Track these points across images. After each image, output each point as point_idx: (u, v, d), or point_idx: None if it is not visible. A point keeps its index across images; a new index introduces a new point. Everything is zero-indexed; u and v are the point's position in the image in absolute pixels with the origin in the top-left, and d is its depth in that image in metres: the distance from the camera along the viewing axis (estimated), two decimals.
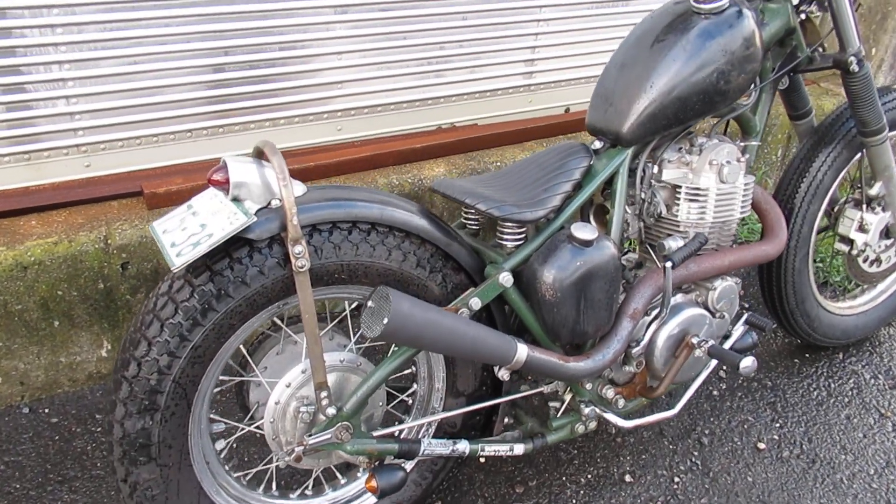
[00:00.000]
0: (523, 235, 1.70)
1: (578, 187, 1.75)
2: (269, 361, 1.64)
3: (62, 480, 1.91)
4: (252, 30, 2.28)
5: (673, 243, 1.87)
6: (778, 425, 2.27)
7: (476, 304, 1.60)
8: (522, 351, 1.60)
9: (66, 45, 2.05)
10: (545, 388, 1.85)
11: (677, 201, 1.87)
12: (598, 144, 1.83)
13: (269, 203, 1.44)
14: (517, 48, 2.79)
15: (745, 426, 2.26)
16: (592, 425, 1.89)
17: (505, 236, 1.70)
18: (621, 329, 1.76)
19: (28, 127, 2.10)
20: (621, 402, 1.88)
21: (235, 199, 1.42)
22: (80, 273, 2.03)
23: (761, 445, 2.19)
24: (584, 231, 1.63)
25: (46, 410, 2.13)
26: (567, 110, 3.06)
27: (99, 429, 2.08)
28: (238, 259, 1.42)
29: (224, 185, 1.41)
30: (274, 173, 1.43)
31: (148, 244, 2.09)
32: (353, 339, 1.67)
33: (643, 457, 2.13)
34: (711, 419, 2.28)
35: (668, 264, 1.75)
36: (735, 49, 1.77)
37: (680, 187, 1.86)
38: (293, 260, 1.40)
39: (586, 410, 1.83)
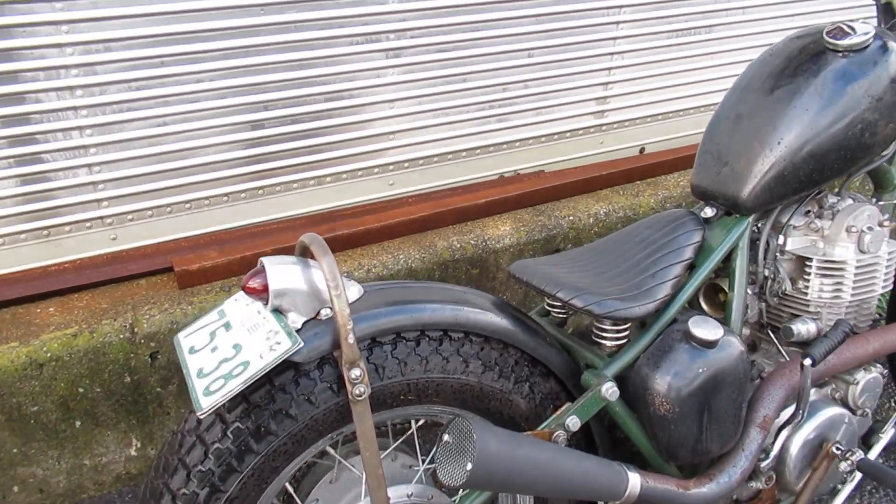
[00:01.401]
0: (627, 333, 1.38)
1: (690, 268, 1.43)
2: (321, 492, 1.35)
3: None
4: (294, 81, 2.02)
5: (802, 326, 1.54)
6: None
7: (574, 423, 1.29)
8: (635, 482, 1.27)
9: (87, 108, 1.82)
10: None
11: (806, 276, 1.53)
12: (709, 212, 1.50)
13: (317, 313, 1.16)
14: (589, 85, 2.49)
15: None
16: None
17: (605, 335, 1.38)
18: (749, 442, 1.42)
19: (47, 200, 1.87)
20: None
21: (276, 311, 1.14)
22: (103, 367, 1.78)
23: None
24: (706, 328, 1.31)
25: None
26: (642, 151, 2.74)
27: None
28: (281, 387, 1.14)
29: (262, 294, 1.13)
30: (323, 277, 1.15)
31: (179, 329, 1.83)
32: (423, 464, 1.37)
33: None
34: None
35: (808, 362, 1.41)
36: (882, 93, 1.43)
37: (809, 259, 1.53)
38: (349, 386, 1.11)
39: None
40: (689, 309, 1.46)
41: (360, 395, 1.12)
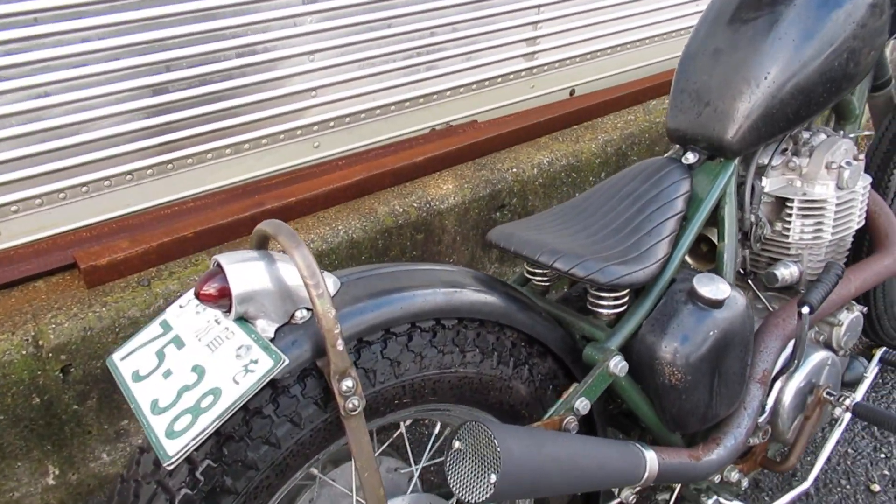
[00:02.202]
0: (626, 299, 1.26)
1: (683, 220, 1.32)
2: None
3: None
4: (199, 35, 1.74)
5: (785, 271, 1.47)
6: (883, 455, 1.93)
7: (584, 406, 1.15)
8: (653, 461, 1.17)
9: None
10: (623, 495, 1.42)
11: (787, 218, 1.46)
12: (691, 158, 1.38)
13: (291, 317, 0.96)
14: (518, 25, 2.31)
15: (849, 463, 1.91)
16: None
17: (602, 303, 1.25)
18: (750, 399, 1.35)
19: None
20: (744, 482, 1.47)
21: (241, 319, 0.93)
22: (4, 390, 1.49)
23: (875, 487, 1.84)
24: (713, 287, 1.20)
25: None
26: (572, 93, 2.61)
27: None
28: (257, 410, 0.93)
29: (221, 301, 0.92)
30: (294, 272, 0.95)
31: (94, 337, 1.56)
32: (416, 471, 1.21)
33: None
34: (807, 458, 1.91)
35: (806, 309, 1.33)
36: (864, 18, 1.35)
37: (789, 200, 1.45)
38: (340, 400, 0.93)
39: (708, 502, 1.42)
40: (686, 267, 1.35)
41: (354, 409, 0.94)
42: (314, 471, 1.09)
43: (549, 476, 0.98)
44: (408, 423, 1.21)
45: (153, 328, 1.01)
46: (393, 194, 2.00)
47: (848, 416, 1.53)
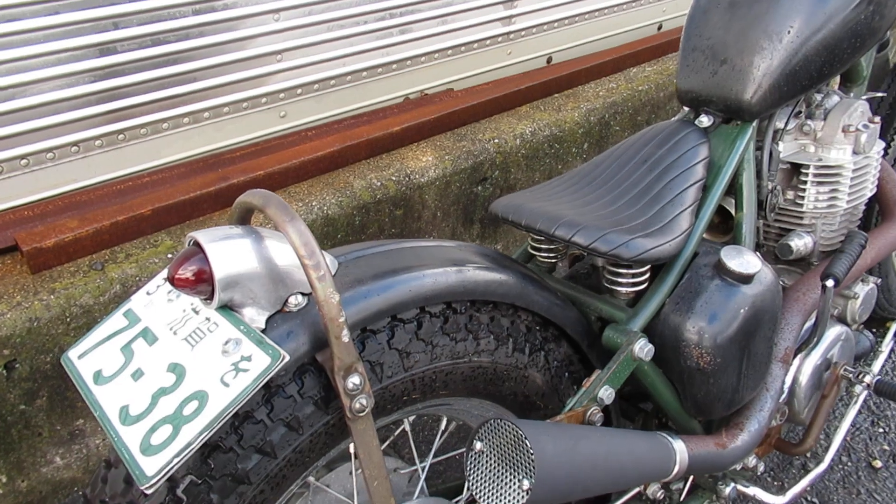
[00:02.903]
0: (647, 276, 1.14)
1: (703, 189, 1.21)
2: None
3: None
4: None
5: (799, 242, 1.38)
6: (882, 430, 1.88)
7: (609, 395, 1.04)
8: (682, 452, 1.06)
9: None
10: (649, 491, 1.32)
11: (801, 185, 1.36)
12: (705, 121, 1.27)
13: (284, 303, 0.81)
14: None
15: (848, 440, 1.85)
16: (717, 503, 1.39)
17: (621, 280, 1.13)
18: (773, 380, 1.25)
19: None
20: (760, 467, 1.39)
21: (225, 307, 0.79)
22: None
23: (877, 463, 1.79)
24: (742, 260, 1.10)
25: None
26: (549, 61, 2.48)
27: None
28: (248, 414, 0.79)
29: (199, 286, 0.77)
30: (288, 251, 0.80)
31: (42, 328, 1.38)
32: (423, 472, 1.07)
33: None
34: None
35: (830, 283, 1.24)
36: None
37: (804, 167, 1.35)
38: (345, 399, 0.79)
39: (726, 490, 1.32)
40: (706, 240, 1.24)
41: (362, 410, 0.80)
42: (313, 480, 0.95)
43: (585, 477, 0.87)
44: (411, 419, 1.08)
45: (116, 320, 0.86)
46: (369, 167, 1.85)
47: (864, 393, 1.45)
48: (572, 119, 2.17)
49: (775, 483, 1.69)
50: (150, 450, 0.68)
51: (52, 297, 1.40)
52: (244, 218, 0.84)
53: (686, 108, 1.34)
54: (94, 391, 0.77)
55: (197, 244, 0.77)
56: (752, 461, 1.34)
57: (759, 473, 1.37)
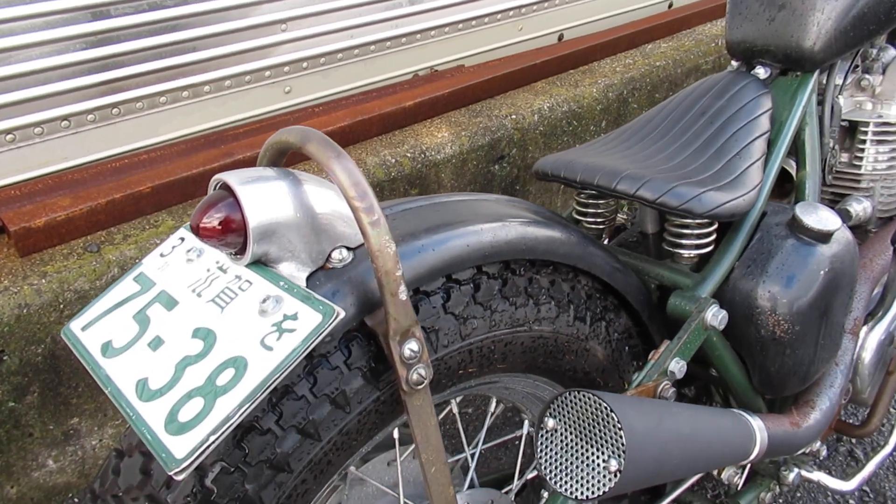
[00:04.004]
0: (713, 237, 1.03)
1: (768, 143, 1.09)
2: None
3: None
4: None
5: (858, 206, 1.28)
6: None
7: (680, 368, 0.92)
8: (761, 432, 0.94)
9: None
10: (724, 476, 1.20)
11: (860, 144, 1.26)
12: (762, 72, 1.16)
13: (326, 259, 0.69)
14: None
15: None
16: (778, 489, 1.28)
17: (684, 242, 1.02)
18: (843, 353, 1.14)
19: None
20: (823, 451, 1.28)
21: (258, 263, 0.66)
22: None
23: None
24: (819, 216, 0.99)
25: None
26: (560, 38, 2.37)
27: None
28: (288, 390, 0.67)
29: (227, 237, 0.64)
30: (330, 196, 0.68)
31: (32, 316, 1.25)
32: (472, 461, 0.95)
33: None
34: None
35: None
36: None
37: (863, 124, 1.25)
38: (401, 370, 0.67)
39: (790, 477, 1.21)
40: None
41: (420, 382, 0.68)
42: (353, 469, 0.83)
43: (671, 458, 0.75)
44: (458, 399, 0.96)
45: (125, 286, 0.73)
46: (382, 143, 1.73)
47: None
48: (590, 95, 2.06)
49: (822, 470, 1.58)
50: (179, 428, 0.55)
51: (43, 281, 1.27)
52: (275, 162, 0.72)
53: (735, 63, 1.24)
54: (104, 365, 0.65)
55: (225, 187, 0.65)
56: (816, 445, 1.23)
57: (821, 458, 1.26)
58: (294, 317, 0.59)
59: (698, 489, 1.27)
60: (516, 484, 1.00)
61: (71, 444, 1.40)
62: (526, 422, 1.02)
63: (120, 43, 1.47)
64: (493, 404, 0.99)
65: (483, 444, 0.97)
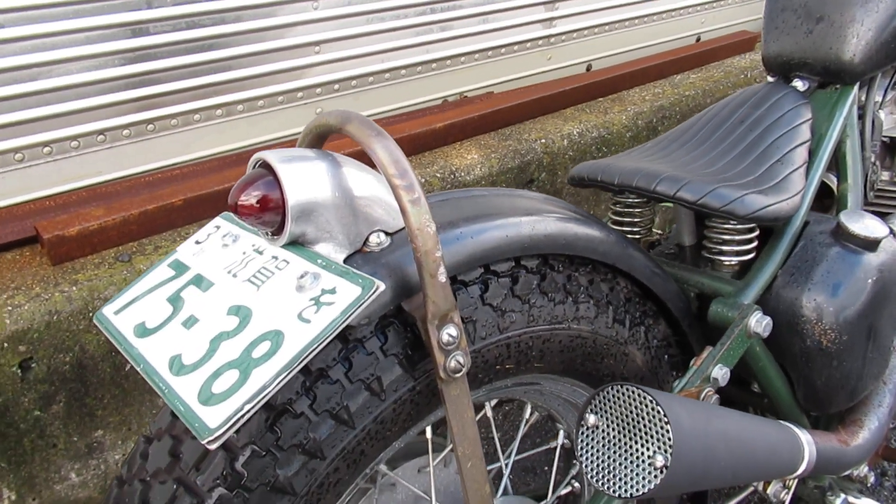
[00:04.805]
0: (755, 244, 1.00)
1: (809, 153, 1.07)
2: None
3: None
4: None
5: None
6: None
7: (724, 376, 0.89)
8: (810, 446, 0.90)
9: None
10: (770, 491, 1.15)
11: None
12: (800, 85, 1.15)
13: (364, 243, 0.68)
14: None
15: None
16: None
17: (725, 248, 0.99)
18: (892, 372, 1.10)
19: None
20: (871, 477, 1.22)
21: (295, 244, 0.65)
22: None
23: None
24: (865, 224, 0.96)
25: None
26: (588, 68, 2.38)
27: None
28: (323, 374, 0.65)
29: (265, 215, 0.63)
30: (369, 180, 0.67)
31: (62, 323, 1.25)
32: (506, 468, 0.92)
33: None
34: None
35: None
36: None
37: None
38: (439, 356, 0.65)
39: (836, 502, 1.16)
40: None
41: (458, 370, 0.66)
42: (385, 469, 0.80)
43: (718, 460, 0.72)
44: (493, 403, 0.93)
45: (159, 271, 0.72)
46: (412, 163, 1.73)
47: None
48: (619, 122, 2.06)
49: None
50: (213, 399, 0.54)
51: (74, 288, 1.27)
52: (315, 146, 0.72)
53: (772, 78, 1.22)
54: (137, 345, 0.63)
55: (265, 166, 0.64)
56: (864, 470, 1.18)
57: (868, 484, 1.20)
58: (332, 291, 0.58)
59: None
60: (551, 498, 0.96)
61: (94, 458, 1.38)
62: (561, 432, 0.98)
63: (157, 60, 1.50)
64: (528, 411, 0.96)
65: (517, 454, 0.94)
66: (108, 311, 0.71)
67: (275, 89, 1.69)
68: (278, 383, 0.53)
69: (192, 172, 1.54)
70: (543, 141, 1.90)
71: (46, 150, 1.43)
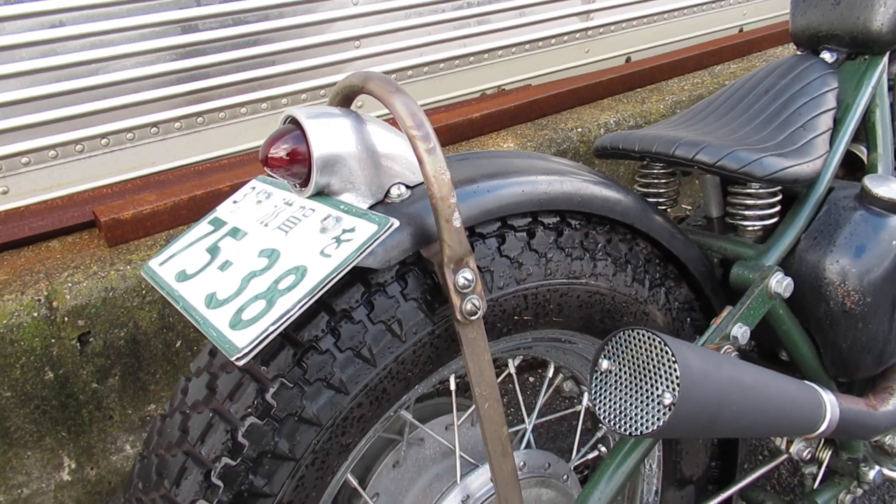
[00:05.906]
0: (778, 208, 1.02)
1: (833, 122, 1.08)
2: (381, 483, 0.91)
3: None
4: None
5: None
6: None
7: (743, 334, 0.90)
8: (833, 406, 0.91)
9: None
10: (793, 450, 1.15)
11: None
12: (828, 57, 1.16)
13: (386, 194, 0.72)
14: None
15: None
16: (859, 491, 1.21)
17: (748, 213, 1.01)
18: None
19: None
20: None
21: (321, 194, 0.70)
22: (12, 361, 1.26)
23: None
24: (891, 186, 0.96)
25: None
26: (628, 60, 2.40)
27: None
28: (345, 313, 0.69)
29: (293, 167, 0.68)
30: (391, 137, 0.72)
31: (117, 299, 1.33)
32: (529, 423, 0.95)
33: None
34: None
35: None
36: None
37: None
38: (455, 299, 0.69)
39: (870, 474, 1.15)
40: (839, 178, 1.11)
41: (474, 312, 0.70)
42: (409, 417, 0.84)
43: (731, 406, 0.73)
44: (516, 361, 0.96)
45: (200, 227, 0.78)
46: (448, 153, 1.78)
47: None
48: (657, 110, 2.07)
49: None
50: (241, 324, 0.59)
51: (128, 268, 1.35)
52: (347, 100, 0.77)
53: (800, 52, 1.23)
54: (178, 287, 0.69)
55: (294, 122, 0.69)
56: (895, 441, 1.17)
57: None
58: (352, 230, 0.63)
59: (770, 489, 1.21)
60: (575, 457, 0.99)
61: (147, 432, 1.46)
62: (586, 395, 1.01)
63: (206, 55, 1.58)
64: (551, 370, 0.99)
65: (541, 417, 0.97)
66: (153, 263, 0.77)
67: (317, 83, 1.76)
68: (300, 308, 0.57)
69: (239, 162, 1.61)
70: (580, 130, 1.92)
71: (104, 141, 1.52)
